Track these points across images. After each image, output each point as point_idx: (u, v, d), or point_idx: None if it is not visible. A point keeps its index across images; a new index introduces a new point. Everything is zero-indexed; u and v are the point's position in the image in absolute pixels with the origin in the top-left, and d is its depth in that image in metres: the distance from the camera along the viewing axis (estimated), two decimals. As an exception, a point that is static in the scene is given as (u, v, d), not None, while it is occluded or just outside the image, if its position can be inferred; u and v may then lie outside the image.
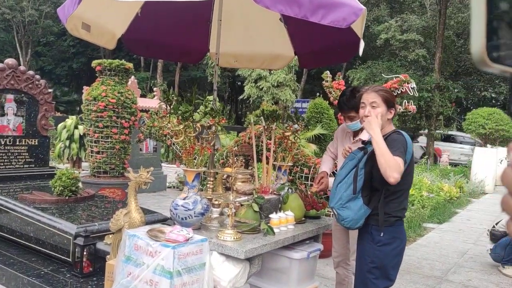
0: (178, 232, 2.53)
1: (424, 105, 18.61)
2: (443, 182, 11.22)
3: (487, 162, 13.44)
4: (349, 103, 3.20)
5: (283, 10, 2.46)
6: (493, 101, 39.80)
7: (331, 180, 3.29)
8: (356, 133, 3.31)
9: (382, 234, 2.51)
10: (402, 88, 5.51)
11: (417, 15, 28.98)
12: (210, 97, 3.48)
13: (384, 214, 2.50)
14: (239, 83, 31.88)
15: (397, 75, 5.92)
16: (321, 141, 9.61)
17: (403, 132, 2.55)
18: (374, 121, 2.47)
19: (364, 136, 3.19)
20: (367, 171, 2.51)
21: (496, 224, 5.58)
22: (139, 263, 2.47)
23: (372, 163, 2.47)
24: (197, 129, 2.90)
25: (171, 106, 2.80)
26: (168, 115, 2.81)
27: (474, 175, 13.35)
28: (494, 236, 5.44)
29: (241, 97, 24.77)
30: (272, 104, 20.82)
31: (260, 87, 22.53)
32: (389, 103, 2.60)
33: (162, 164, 9.90)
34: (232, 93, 42.38)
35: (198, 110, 2.98)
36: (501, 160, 14.98)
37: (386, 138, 2.48)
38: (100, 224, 3.75)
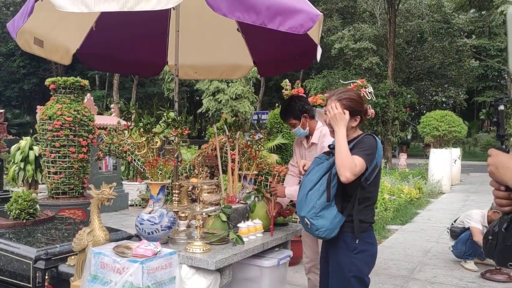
0: (145, 246, 2.46)
1: (380, 111, 19.13)
2: (403, 184, 11.50)
3: (442, 163, 13.90)
4: (286, 111, 3.33)
5: (240, 18, 2.46)
6: (444, 105, 41.44)
7: (290, 187, 3.29)
8: (308, 138, 3.41)
9: (357, 241, 2.48)
10: (360, 93, 5.64)
11: (368, 24, 29.92)
12: (171, 113, 3.44)
13: (360, 221, 2.47)
14: (198, 98, 31.76)
15: (354, 81, 6.05)
16: (282, 151, 9.65)
17: (375, 136, 2.53)
18: (339, 116, 2.47)
19: (328, 140, 3.22)
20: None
21: (455, 221, 5.76)
22: (106, 281, 2.39)
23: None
24: (159, 141, 2.85)
25: (132, 119, 2.74)
26: (128, 128, 2.74)
27: (431, 176, 13.77)
28: (454, 233, 5.60)
29: (199, 110, 24.68)
30: (232, 116, 20.85)
31: (219, 100, 22.54)
32: (353, 111, 2.55)
33: (123, 182, 9.68)
34: (190, 108, 42.16)
35: (160, 122, 2.92)
36: (455, 160, 15.55)
37: (357, 140, 2.49)
38: (62, 245, 3.60)
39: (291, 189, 3.29)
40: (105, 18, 3.73)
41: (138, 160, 5.97)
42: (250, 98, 23.48)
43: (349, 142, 2.46)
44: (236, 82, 21.73)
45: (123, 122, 2.85)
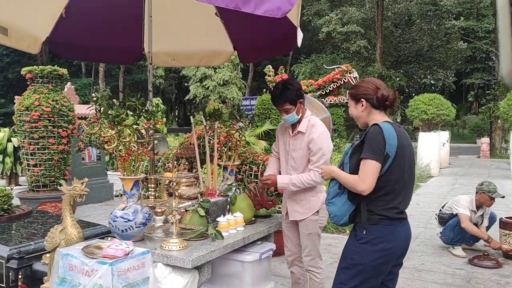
0: (116, 246, 2.33)
1: (369, 95, 19.02)
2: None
3: (431, 146, 13.88)
4: (282, 95, 3.09)
5: (212, 1, 2.30)
6: (433, 87, 41.50)
7: (282, 177, 3.15)
8: (294, 126, 3.21)
9: (364, 232, 2.37)
10: (345, 78, 5.51)
11: (356, 7, 29.64)
12: (155, 100, 3.28)
13: (368, 212, 2.36)
14: (186, 84, 31.43)
15: (339, 66, 5.91)
16: (271, 137, 9.55)
17: (382, 124, 2.34)
18: (324, 173, 2.55)
19: (317, 132, 3.10)
20: (352, 165, 2.38)
21: (443, 207, 5.69)
22: (74, 285, 2.26)
23: (358, 156, 2.35)
24: (132, 133, 2.70)
25: (101, 111, 2.59)
26: (98, 121, 2.59)
27: (420, 159, 13.75)
28: (442, 219, 5.54)
29: (187, 97, 24.40)
30: (220, 103, 20.65)
31: (206, 86, 22.29)
32: (355, 96, 2.51)
33: (108, 173, 9.51)
34: (179, 95, 41.79)
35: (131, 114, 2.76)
36: (444, 143, 15.55)
37: (366, 133, 2.37)
38: (37, 243, 3.46)
39: (284, 178, 3.14)
40: (75, 4, 3.55)
41: (120, 150, 5.80)
42: (238, 84, 23.27)
43: (364, 137, 2.38)
44: (223, 68, 21.50)
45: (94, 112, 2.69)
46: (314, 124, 3.14)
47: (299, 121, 3.17)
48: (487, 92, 34.62)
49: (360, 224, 2.40)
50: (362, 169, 2.29)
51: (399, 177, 2.36)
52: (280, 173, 3.35)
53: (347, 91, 2.74)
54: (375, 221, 2.35)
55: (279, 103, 3.12)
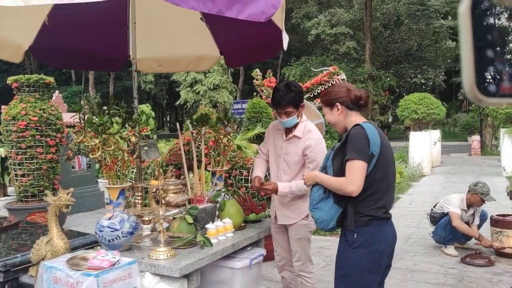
0: (102, 257, 2.29)
1: (359, 95, 19.06)
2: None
3: (422, 145, 13.91)
4: (286, 98, 2.97)
5: (195, 7, 2.28)
6: (423, 87, 41.73)
7: (282, 186, 3.04)
8: (288, 130, 3.15)
9: (355, 236, 2.31)
10: (333, 80, 5.51)
11: (345, 8, 29.77)
12: (143, 106, 3.24)
13: (355, 214, 2.31)
14: (176, 89, 31.37)
15: (327, 68, 5.90)
16: (262, 140, 9.50)
17: (364, 124, 2.33)
18: (307, 179, 2.51)
19: (313, 138, 3.05)
20: (335, 168, 2.34)
21: (434, 206, 5.69)
22: (59, 298, 2.21)
23: (342, 159, 2.32)
24: (118, 142, 2.67)
25: (85, 119, 2.55)
26: (82, 130, 2.55)
27: (412, 159, 13.78)
28: (434, 218, 5.54)
29: (177, 102, 24.31)
30: (211, 107, 20.62)
31: (197, 91, 22.24)
32: (329, 102, 2.49)
33: (98, 180, 9.43)
34: (170, 100, 41.67)
35: (115, 121, 2.72)
36: (435, 142, 15.60)
37: (348, 135, 2.33)
38: (24, 255, 3.40)
39: (284, 187, 3.02)
40: (59, 11, 3.50)
41: (104, 159, 5.75)
42: (228, 88, 23.24)
43: (345, 139, 2.34)
44: (213, 72, 21.48)
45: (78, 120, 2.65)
46: (310, 130, 3.09)
47: (295, 125, 3.09)
48: (477, 90, 34.75)
49: (348, 228, 2.35)
50: (349, 170, 2.25)
51: (384, 175, 2.35)
52: (269, 175, 3.32)
53: (320, 99, 2.66)
54: (364, 222, 2.31)
55: (282, 105, 3.00)
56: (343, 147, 2.33)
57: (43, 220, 5.96)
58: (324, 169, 2.43)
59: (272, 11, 2.57)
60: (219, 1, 2.35)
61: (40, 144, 6.22)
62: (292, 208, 3.11)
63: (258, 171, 3.26)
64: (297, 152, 3.05)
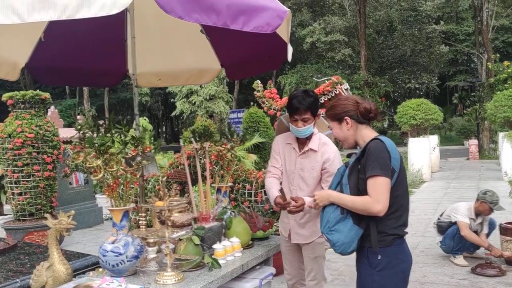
0: (107, 285, 2.18)
1: (356, 102, 19.07)
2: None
3: (421, 151, 13.87)
4: (305, 102, 2.82)
5: (199, 20, 2.19)
6: (418, 92, 41.87)
7: (308, 199, 2.78)
8: (301, 144, 3.00)
9: (379, 257, 2.18)
10: (336, 90, 5.43)
11: (339, 16, 29.89)
12: (141, 120, 3.14)
13: (378, 233, 2.17)
14: (172, 100, 31.30)
15: (329, 78, 5.83)
16: (260, 150, 9.42)
17: (383, 138, 2.23)
18: (320, 199, 2.32)
19: (329, 151, 2.92)
20: (352, 186, 2.21)
21: (441, 215, 5.60)
22: (64, 330, 2.09)
23: (357, 176, 2.20)
24: (120, 161, 2.56)
25: (85, 139, 2.44)
26: (82, 150, 2.44)
27: (411, 165, 13.72)
28: (441, 228, 5.44)
29: (173, 113, 24.24)
30: (207, 117, 20.53)
31: (193, 101, 22.18)
32: (337, 116, 2.36)
33: (96, 196, 9.30)
34: (165, 111, 41.61)
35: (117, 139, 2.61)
36: (434, 148, 15.56)
37: (366, 151, 2.20)
38: (23, 280, 3.27)
39: (310, 201, 2.69)
40: (54, 27, 3.41)
41: (107, 179, 5.64)
42: (224, 98, 23.20)
43: (361, 154, 2.23)
44: (206, 83, 21.47)
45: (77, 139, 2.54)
46: (325, 142, 2.97)
47: (309, 138, 2.96)
48: (472, 94, 35.02)
49: (371, 249, 2.20)
50: (373, 188, 2.10)
51: (405, 191, 2.25)
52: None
53: (325, 114, 2.51)
54: (388, 242, 2.18)
55: (300, 111, 2.83)
56: (358, 163, 2.22)
57: (42, 240, 5.82)
58: (336, 187, 2.30)
59: (279, 23, 2.49)
60: (224, 14, 2.26)
61: (37, 161, 6.09)
62: (308, 225, 2.99)
63: (276, 191, 2.92)
64: (314, 166, 2.92)
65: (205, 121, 15.79)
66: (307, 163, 2.95)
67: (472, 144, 20.91)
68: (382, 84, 26.89)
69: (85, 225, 8.30)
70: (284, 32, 2.79)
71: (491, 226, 5.34)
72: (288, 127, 3.20)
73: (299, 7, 30.70)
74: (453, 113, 45.00)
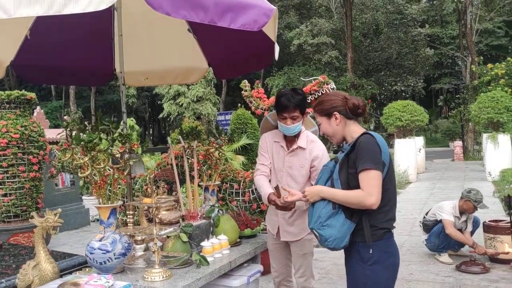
0: (95, 282, 2.17)
1: (343, 104, 19.18)
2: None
3: (407, 152, 14.01)
4: (294, 100, 2.83)
5: (187, 16, 2.19)
6: (403, 94, 42.27)
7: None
8: (289, 142, 3.01)
9: (371, 251, 2.19)
10: (322, 90, 5.48)
11: (325, 18, 30.08)
12: (128, 120, 3.13)
13: (371, 227, 2.18)
14: (159, 102, 31.18)
15: (316, 77, 5.87)
16: (248, 151, 9.45)
17: (373, 133, 2.25)
18: (310, 195, 2.31)
19: (317, 148, 2.95)
20: (343, 181, 2.21)
21: (426, 214, 5.66)
22: (50, 327, 2.08)
23: (347, 171, 2.22)
24: (107, 158, 2.55)
25: (72, 136, 2.43)
26: (69, 147, 2.43)
27: (398, 166, 13.85)
28: (427, 226, 5.50)
29: (161, 115, 24.16)
30: (194, 119, 20.48)
31: (180, 103, 22.11)
32: (326, 112, 2.37)
33: (83, 197, 9.22)
34: (153, 113, 41.41)
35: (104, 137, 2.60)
36: (420, 149, 15.72)
37: (356, 146, 2.21)
38: (9, 279, 3.24)
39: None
40: (41, 25, 3.40)
41: (94, 175, 5.60)
42: (212, 99, 23.16)
43: (350, 149, 2.24)
44: (196, 84, 21.40)
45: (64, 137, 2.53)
46: (313, 140, 3.00)
47: (297, 136, 2.97)
48: (456, 96, 35.46)
49: (363, 244, 2.21)
50: (365, 181, 2.12)
51: (394, 185, 2.28)
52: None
53: (313, 109, 2.50)
54: (379, 236, 2.20)
55: (289, 109, 2.84)
56: (347, 158, 2.25)
57: (27, 241, 5.76)
58: (326, 183, 2.32)
59: (265, 20, 2.50)
60: (211, 11, 2.27)
61: (22, 162, 6.03)
62: (297, 223, 3.00)
63: (268, 188, 2.90)
64: (303, 164, 2.94)
65: (193, 122, 15.76)
66: (296, 161, 2.97)
67: (457, 145, 21.19)
68: (369, 87, 27.10)
69: (71, 226, 8.22)
70: (271, 31, 2.81)
71: (475, 224, 5.42)
72: (273, 125, 3.22)
73: (286, 9, 30.82)
74: (438, 115, 45.51)
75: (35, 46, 3.51)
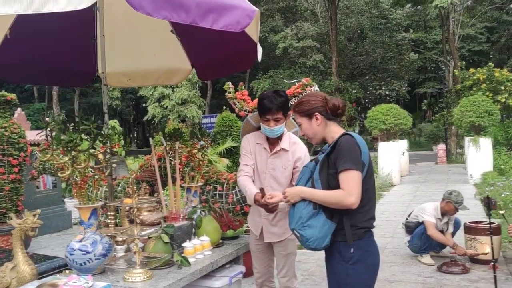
0: (74, 283, 2.15)
1: (327, 107, 19.29)
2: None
3: (391, 155, 14.15)
4: (276, 101, 2.82)
5: (168, 17, 2.19)
6: (388, 98, 42.71)
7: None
8: (272, 144, 3.01)
9: (352, 250, 2.21)
10: (306, 92, 5.51)
11: (310, 22, 30.26)
12: (111, 122, 3.11)
13: (351, 227, 2.20)
14: (144, 105, 31.00)
15: (299, 80, 5.90)
16: (233, 154, 9.43)
17: (352, 133, 2.27)
18: (291, 196, 2.32)
19: (300, 150, 2.96)
20: (323, 182, 2.22)
21: (409, 216, 5.72)
22: (28, 329, 2.05)
23: (327, 171, 2.23)
24: (88, 159, 2.53)
25: (52, 136, 2.41)
26: (49, 147, 2.41)
27: (381, 169, 13.96)
28: (409, 228, 5.56)
29: (145, 118, 24.02)
30: (179, 122, 20.40)
31: (165, 106, 22.01)
32: (307, 113, 2.38)
33: (65, 200, 9.11)
34: (137, 116, 41.14)
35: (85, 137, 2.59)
36: (403, 152, 15.88)
37: (336, 146, 2.22)
38: (-14, 282, 3.19)
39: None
40: (21, 24, 3.35)
41: (76, 176, 5.54)
42: (197, 102, 23.13)
43: (330, 150, 2.25)
44: (181, 86, 21.35)
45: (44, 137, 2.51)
46: (295, 141, 3.01)
47: (279, 137, 2.98)
48: (440, 100, 35.93)
49: (344, 243, 2.22)
50: (345, 181, 2.14)
51: (373, 185, 2.31)
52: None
53: (293, 110, 2.51)
54: (360, 235, 2.22)
55: (272, 111, 2.83)
56: (327, 158, 2.26)
57: (6, 244, 5.66)
58: (306, 183, 2.32)
59: (248, 22, 2.51)
60: (193, 11, 2.27)
61: (2, 164, 5.94)
62: (280, 224, 3.00)
63: (254, 188, 2.88)
64: (286, 166, 2.95)
65: (177, 125, 15.71)
66: (279, 162, 2.98)
67: (440, 149, 21.46)
68: (353, 90, 27.31)
69: (53, 229, 8.11)
70: (253, 32, 2.82)
71: (456, 225, 5.49)
72: (255, 127, 3.23)
73: (272, 12, 30.93)
74: (422, 119, 46.04)
75: (15, 46, 3.46)
